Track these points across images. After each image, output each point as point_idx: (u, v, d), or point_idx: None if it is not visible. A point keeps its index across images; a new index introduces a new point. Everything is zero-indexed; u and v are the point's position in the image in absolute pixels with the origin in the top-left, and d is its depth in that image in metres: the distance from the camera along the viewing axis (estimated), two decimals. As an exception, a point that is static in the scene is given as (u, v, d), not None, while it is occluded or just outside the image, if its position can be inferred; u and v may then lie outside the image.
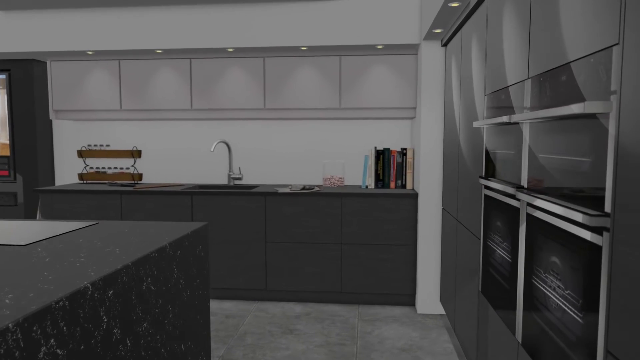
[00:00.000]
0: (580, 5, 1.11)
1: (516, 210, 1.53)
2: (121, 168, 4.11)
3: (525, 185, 1.46)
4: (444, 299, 3.10)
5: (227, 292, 3.56)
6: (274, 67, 3.62)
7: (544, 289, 1.28)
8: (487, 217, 1.92)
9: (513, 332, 1.55)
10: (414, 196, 3.31)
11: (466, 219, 2.41)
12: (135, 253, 1.52)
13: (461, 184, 2.54)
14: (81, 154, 4.05)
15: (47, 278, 1.24)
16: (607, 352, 0.96)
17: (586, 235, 1.04)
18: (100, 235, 1.81)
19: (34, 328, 0.99)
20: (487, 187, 1.92)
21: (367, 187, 3.66)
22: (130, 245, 1.63)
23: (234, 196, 3.46)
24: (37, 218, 3.64)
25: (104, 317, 1.27)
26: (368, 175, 3.65)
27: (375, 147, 3.63)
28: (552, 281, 1.23)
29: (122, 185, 3.86)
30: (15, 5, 3.48)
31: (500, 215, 1.71)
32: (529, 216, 1.41)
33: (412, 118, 3.73)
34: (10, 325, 0.92)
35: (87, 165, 4.14)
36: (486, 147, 1.95)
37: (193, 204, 3.50)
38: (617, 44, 0.93)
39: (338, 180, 3.77)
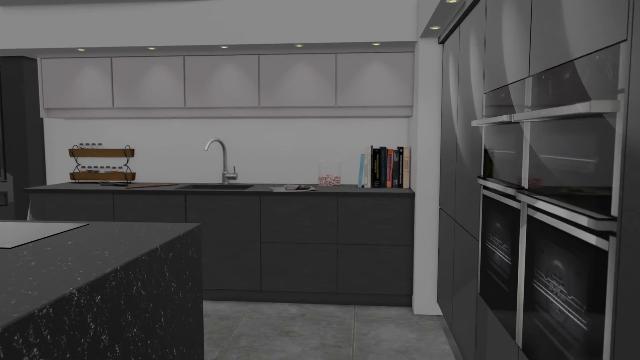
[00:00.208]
0: None
1: (516, 211, 1.49)
2: (114, 167, 4.05)
3: (526, 186, 1.43)
4: (441, 300, 3.07)
5: (222, 293, 3.51)
6: (268, 64, 3.57)
7: (545, 293, 1.25)
8: (485, 218, 1.89)
9: (513, 336, 1.52)
10: (411, 196, 3.27)
11: (464, 220, 2.37)
12: (125, 256, 1.47)
13: (459, 184, 2.51)
14: (73, 153, 3.99)
15: (32, 284, 1.20)
16: (613, 361, 0.92)
17: (591, 239, 1.00)
18: (90, 238, 1.76)
19: (15, 337, 0.95)
20: (485, 188, 1.88)
21: (363, 186, 3.62)
22: (120, 248, 1.58)
23: (228, 196, 3.41)
24: (28, 218, 3.58)
25: (91, 324, 1.22)
26: (364, 174, 3.61)
27: (372, 146, 3.59)
28: (554, 285, 1.19)
29: (115, 184, 3.80)
30: (4, 1, 3.41)
31: (500, 217, 1.68)
32: (530, 218, 1.37)
33: (408, 116, 3.69)
34: (-12, 335, 0.87)
35: (79, 165, 4.08)
36: (485, 147, 1.92)
37: (187, 204, 3.45)
38: (625, 40, 0.89)
39: (334, 180, 3.73)
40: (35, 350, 1.01)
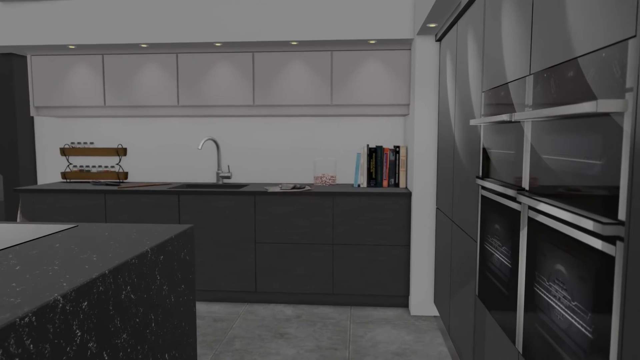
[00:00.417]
0: (589, -5, 1.04)
1: (516, 213, 1.46)
2: (106, 166, 3.99)
3: (527, 188, 1.39)
4: (438, 301, 3.04)
5: (216, 294, 3.46)
6: (263, 62, 3.52)
7: (547, 298, 1.21)
8: (484, 219, 1.85)
9: (513, 341, 1.48)
10: (407, 195, 3.24)
11: (462, 220, 2.34)
12: (114, 260, 1.42)
13: (456, 184, 2.47)
14: (64, 152, 3.92)
15: (15, 290, 1.15)
16: (620, 370, 0.89)
17: (597, 244, 0.96)
18: (79, 240, 1.71)
19: (-6, 349, 0.90)
20: (484, 188, 1.85)
21: (359, 185, 3.58)
22: (109, 251, 1.53)
23: (222, 195, 3.36)
24: (18, 219, 3.52)
25: (77, 331, 1.18)
26: (360, 173, 3.57)
27: (368, 145, 3.55)
28: (556, 290, 1.16)
29: (107, 184, 3.74)
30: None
31: (499, 218, 1.64)
32: (531, 220, 1.33)
33: (405, 115, 3.65)
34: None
35: (71, 164, 4.02)
36: (483, 146, 1.88)
37: (180, 204, 3.40)
38: (634, 36, 0.85)
39: (329, 179, 3.69)
40: (16, 361, 0.96)
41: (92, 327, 1.24)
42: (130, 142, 3.98)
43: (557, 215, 1.07)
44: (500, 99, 1.66)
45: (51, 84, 3.68)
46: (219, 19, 3.35)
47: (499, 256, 1.64)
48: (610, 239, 0.92)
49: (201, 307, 3.33)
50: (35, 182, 4.06)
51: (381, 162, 3.53)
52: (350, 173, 3.85)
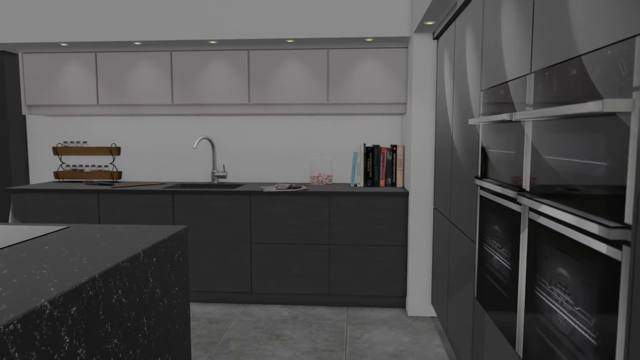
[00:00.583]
0: (594, -9, 1.01)
1: (517, 214, 1.43)
2: (99, 166, 3.94)
3: (527, 189, 1.36)
4: (435, 302, 3.01)
5: (211, 295, 3.42)
6: (259, 60, 3.48)
7: (549, 302, 1.18)
8: (483, 220, 1.82)
9: (513, 344, 1.45)
10: (405, 195, 3.21)
11: (460, 220, 2.31)
12: (105, 263, 1.38)
13: (454, 184, 2.44)
14: (57, 151, 3.87)
15: (1, 295, 1.11)
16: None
17: (601, 248, 0.93)
18: (69, 242, 1.67)
19: (-24, 359, 0.86)
20: (483, 189, 1.82)
21: (356, 185, 3.55)
22: (100, 254, 1.49)
23: (217, 195, 3.32)
24: (10, 219, 3.46)
25: (66, 337, 1.14)
26: (357, 173, 3.54)
27: (365, 144, 3.52)
28: (558, 295, 1.13)
29: (100, 183, 3.69)
30: (-17, -7, 3.28)
31: (498, 219, 1.61)
32: (532, 222, 1.31)
33: (402, 114, 3.62)
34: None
35: (63, 163, 3.96)
36: (482, 146, 1.85)
37: (175, 204, 3.35)
38: (642, 33, 0.82)
39: (326, 178, 3.66)
40: (0, 370, 0.92)
41: (81, 332, 1.20)
42: (124, 141, 3.94)
43: (559, 217, 1.04)
44: (499, 97, 1.63)
45: (43, 82, 3.62)
46: (213, 16, 3.31)
47: (499, 258, 1.61)
48: (616, 243, 0.89)
49: (196, 308, 3.29)
50: (28, 181, 4.01)
51: (378, 162, 3.50)
52: (346, 172, 3.82)
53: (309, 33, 3.27)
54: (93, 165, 3.93)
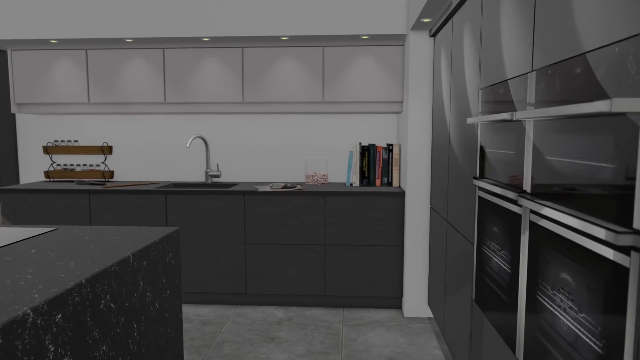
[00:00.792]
0: (600, -14, 0.97)
1: (517, 216, 1.39)
2: (91, 165, 3.88)
3: (528, 190, 1.32)
4: (432, 303, 2.98)
5: (205, 297, 3.38)
6: (253, 58, 3.43)
7: (551, 308, 1.15)
8: (481, 221, 1.79)
9: (513, 349, 1.42)
10: (401, 194, 3.17)
11: (457, 221, 2.28)
12: (92, 267, 1.33)
13: (452, 184, 2.41)
14: (47, 150, 3.80)
15: (-19, 302, 1.06)
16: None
17: (608, 253, 0.90)
18: (57, 245, 1.62)
19: (-48, 372, 0.81)
20: (481, 189, 1.78)
21: (351, 184, 3.51)
22: (88, 257, 1.44)
23: (211, 195, 3.27)
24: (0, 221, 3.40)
25: (50, 346, 1.09)
26: (353, 172, 3.50)
27: (360, 143, 3.48)
28: (561, 300, 1.09)
29: (92, 183, 3.63)
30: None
31: (497, 220, 1.58)
32: (533, 224, 1.27)
33: (398, 112, 3.58)
34: None
35: (54, 162, 3.90)
36: (481, 145, 1.81)
37: (167, 204, 3.30)
38: (653, 29, 0.79)
39: (321, 178, 3.62)
40: (-22, 384, 0.87)
41: (67, 340, 1.15)
42: (116, 140, 3.87)
43: (563, 220, 1.00)
44: (499, 96, 1.59)
45: (33, 80, 3.55)
46: (207, 12, 3.25)
47: (498, 260, 1.58)
48: (624, 249, 0.85)
49: (189, 310, 3.24)
50: (18, 181, 3.94)
51: (374, 161, 3.46)
52: (342, 172, 3.78)
53: (304, 30, 3.22)
54: (84, 165, 3.87)
